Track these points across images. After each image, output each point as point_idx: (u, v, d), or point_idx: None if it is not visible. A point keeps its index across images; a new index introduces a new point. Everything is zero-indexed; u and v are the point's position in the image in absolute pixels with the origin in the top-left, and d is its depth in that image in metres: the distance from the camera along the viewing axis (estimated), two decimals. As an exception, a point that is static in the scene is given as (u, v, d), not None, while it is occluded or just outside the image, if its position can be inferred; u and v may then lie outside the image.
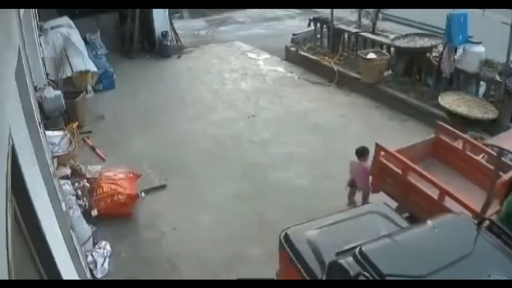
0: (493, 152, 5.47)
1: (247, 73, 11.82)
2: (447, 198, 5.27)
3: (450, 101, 8.40)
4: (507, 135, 6.33)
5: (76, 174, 7.29)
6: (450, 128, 6.50)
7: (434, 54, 9.53)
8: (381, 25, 12.29)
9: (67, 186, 6.44)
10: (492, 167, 5.46)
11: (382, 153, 6.04)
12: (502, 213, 4.88)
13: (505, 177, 5.29)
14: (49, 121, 8.16)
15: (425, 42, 9.70)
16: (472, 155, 5.95)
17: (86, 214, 6.34)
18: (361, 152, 6.43)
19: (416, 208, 5.68)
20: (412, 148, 6.27)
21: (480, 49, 8.52)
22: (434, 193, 5.40)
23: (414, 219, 5.44)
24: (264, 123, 9.11)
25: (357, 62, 10.52)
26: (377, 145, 6.11)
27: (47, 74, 9.72)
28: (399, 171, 5.77)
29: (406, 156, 5.83)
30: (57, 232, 4.00)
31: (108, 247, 5.96)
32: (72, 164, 7.47)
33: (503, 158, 4.64)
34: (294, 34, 12.81)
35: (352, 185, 6.63)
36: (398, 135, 8.69)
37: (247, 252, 6.02)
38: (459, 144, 6.31)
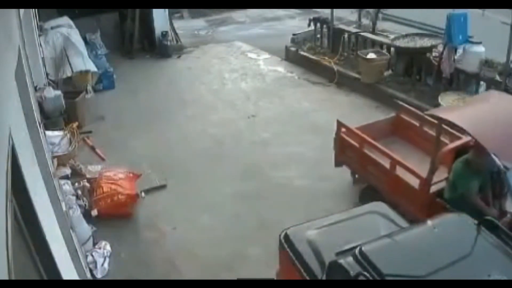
0: (447, 127, 5.78)
1: (247, 73, 11.82)
2: (398, 167, 5.82)
3: (450, 101, 8.39)
4: (449, 108, 6.84)
5: (76, 174, 7.30)
6: (409, 107, 7.09)
7: (434, 54, 9.52)
8: (381, 25, 12.28)
9: (67, 186, 6.45)
10: (445, 140, 5.92)
11: (343, 129, 6.66)
12: (449, 180, 5.31)
13: (449, 146, 5.75)
14: (49, 121, 8.16)
15: (425, 42, 9.69)
16: (427, 130, 6.29)
17: (86, 214, 6.34)
18: None
19: (372, 178, 6.29)
20: (372, 125, 6.85)
21: (480, 49, 8.52)
22: (386, 163, 5.91)
23: (373, 190, 6.15)
24: (264, 123, 9.11)
25: (357, 62, 10.52)
26: (338, 122, 6.73)
27: (47, 74, 9.72)
28: (357, 144, 6.37)
29: (367, 133, 6.39)
30: (57, 232, 4.00)
31: (108, 247, 5.96)
32: (72, 164, 7.47)
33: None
34: (294, 34, 12.81)
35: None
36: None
37: (247, 252, 6.02)
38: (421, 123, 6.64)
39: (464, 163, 5.28)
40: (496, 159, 4.61)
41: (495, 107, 5.69)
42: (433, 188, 5.55)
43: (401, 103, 7.38)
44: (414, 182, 5.65)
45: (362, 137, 6.33)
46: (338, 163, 6.87)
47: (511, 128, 5.04)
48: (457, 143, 5.83)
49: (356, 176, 6.75)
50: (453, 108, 6.57)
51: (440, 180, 5.53)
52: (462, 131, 5.46)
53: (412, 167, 5.68)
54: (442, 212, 5.05)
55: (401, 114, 7.08)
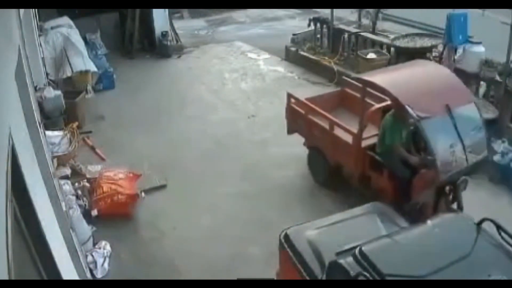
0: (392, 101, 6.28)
1: (247, 73, 11.83)
2: (335, 128, 6.70)
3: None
4: (373, 72, 7.44)
5: (76, 174, 7.30)
6: (352, 81, 7.66)
7: (434, 54, 9.52)
8: (381, 25, 12.28)
9: (67, 186, 6.44)
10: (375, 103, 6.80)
11: (292, 100, 7.54)
12: (379, 134, 6.12)
13: (375, 106, 6.70)
14: (49, 121, 8.16)
15: (425, 42, 9.69)
16: (367, 100, 6.85)
17: (86, 214, 6.34)
18: None
19: (316, 140, 7.19)
20: (319, 97, 7.73)
21: (480, 49, 8.51)
22: (326, 125, 6.82)
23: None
24: (264, 123, 9.12)
25: (357, 62, 10.51)
26: (288, 93, 7.69)
27: (47, 74, 9.72)
28: (303, 111, 7.25)
29: (314, 103, 7.21)
30: (57, 232, 4.00)
31: (108, 247, 5.96)
32: (72, 164, 7.47)
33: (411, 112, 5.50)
34: (294, 34, 12.81)
35: None
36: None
37: (247, 252, 6.02)
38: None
39: (390, 118, 5.99)
40: (410, 110, 5.42)
41: (414, 70, 6.68)
42: (364, 143, 6.37)
43: (345, 77, 8.20)
44: (349, 139, 6.47)
45: (308, 105, 7.22)
46: (290, 131, 7.72)
47: (426, 86, 5.90)
48: (382, 104, 6.68)
49: (305, 140, 7.56)
50: (376, 72, 7.33)
51: (370, 135, 6.37)
52: (383, 91, 6.27)
53: (349, 127, 6.50)
54: (373, 165, 6.30)
55: (346, 88, 7.85)
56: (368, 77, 6.49)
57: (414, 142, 6.12)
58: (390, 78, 6.34)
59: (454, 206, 5.90)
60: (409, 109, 5.43)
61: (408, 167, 5.90)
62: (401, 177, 5.97)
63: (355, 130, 6.37)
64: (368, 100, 6.80)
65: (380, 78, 6.29)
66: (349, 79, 7.88)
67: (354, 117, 6.72)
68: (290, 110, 7.59)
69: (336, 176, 7.05)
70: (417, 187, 5.80)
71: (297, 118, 7.45)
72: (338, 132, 6.66)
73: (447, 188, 5.82)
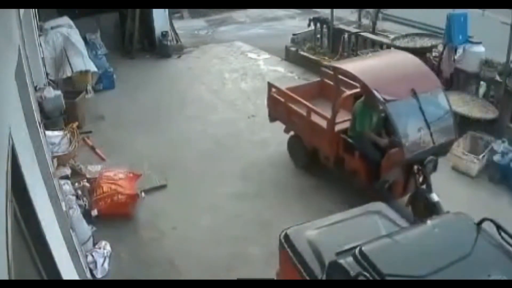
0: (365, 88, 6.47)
1: (247, 73, 11.83)
2: (312, 114, 7.07)
3: (450, 101, 8.38)
4: (346, 60, 8.17)
5: (76, 174, 7.29)
6: (327, 70, 8.09)
7: (434, 54, 9.51)
8: (381, 25, 12.28)
9: (67, 186, 6.44)
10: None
11: (273, 89, 7.96)
12: (351, 119, 6.53)
13: (347, 92, 7.01)
14: (49, 121, 8.16)
15: (425, 42, 9.69)
16: (342, 88, 7.31)
17: (86, 214, 6.34)
18: None
19: (295, 126, 7.59)
20: (299, 87, 8.20)
21: (480, 49, 8.51)
22: (304, 112, 7.21)
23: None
24: (264, 123, 9.09)
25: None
26: (269, 83, 8.19)
27: (47, 74, 9.72)
28: (283, 100, 7.63)
29: (294, 93, 7.59)
30: (57, 232, 4.00)
31: (108, 247, 5.96)
32: (72, 164, 7.47)
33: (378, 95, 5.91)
34: (294, 34, 12.81)
35: None
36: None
37: (247, 252, 6.02)
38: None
39: (360, 105, 6.40)
40: (377, 93, 5.84)
41: (385, 58, 7.38)
42: (338, 127, 6.78)
43: (323, 68, 8.49)
44: (324, 124, 6.88)
45: (287, 93, 7.63)
46: (271, 119, 8.14)
47: (394, 72, 6.43)
48: (354, 90, 6.98)
49: (285, 127, 7.91)
50: (349, 60, 7.98)
51: (343, 120, 6.78)
52: (353, 78, 6.75)
53: (324, 113, 6.93)
54: (346, 148, 6.71)
55: (324, 79, 8.25)
56: (340, 64, 7.21)
57: (385, 127, 6.43)
58: (360, 65, 6.98)
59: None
60: (376, 93, 5.88)
61: (378, 149, 6.31)
62: (371, 158, 6.36)
63: (329, 116, 6.78)
64: (344, 89, 7.24)
65: (351, 65, 6.94)
66: (324, 69, 8.41)
67: (331, 106, 7.03)
68: (271, 99, 8.02)
69: (314, 160, 7.49)
70: (386, 166, 6.15)
71: (278, 107, 7.85)
72: (314, 118, 7.08)
73: (416, 167, 6.17)
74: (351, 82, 7.21)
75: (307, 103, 7.22)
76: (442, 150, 6.39)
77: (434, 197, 6.12)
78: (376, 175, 6.28)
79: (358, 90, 6.83)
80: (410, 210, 6.32)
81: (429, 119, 6.07)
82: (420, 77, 6.41)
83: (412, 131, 6.03)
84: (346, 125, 6.73)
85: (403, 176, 6.27)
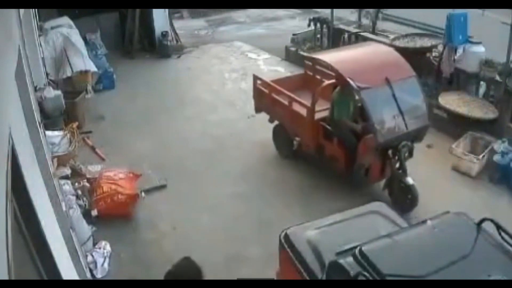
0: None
1: (247, 73, 11.81)
2: (293, 104, 7.39)
3: (450, 101, 8.39)
4: (324, 51, 8.82)
5: (76, 174, 7.28)
6: (321, 68, 8.22)
7: (434, 54, 9.52)
8: (381, 25, 12.28)
9: (67, 186, 6.44)
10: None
11: (258, 81, 8.26)
12: (330, 107, 6.86)
13: (326, 82, 7.43)
14: (49, 121, 8.14)
15: (425, 42, 9.69)
16: (322, 79, 7.84)
17: (86, 214, 6.34)
18: None
19: (278, 116, 7.93)
20: (283, 79, 8.56)
21: (480, 49, 8.51)
22: (286, 102, 7.53)
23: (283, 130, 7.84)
24: (263, 123, 9.08)
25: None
26: (254, 76, 8.50)
27: (47, 74, 9.71)
28: (267, 91, 7.95)
29: (278, 85, 7.90)
30: (57, 232, 4.00)
31: (108, 247, 5.96)
32: (72, 164, 7.46)
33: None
34: (294, 34, 12.82)
35: None
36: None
37: (247, 252, 6.02)
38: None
39: (337, 95, 6.75)
40: (351, 82, 6.22)
41: (361, 50, 7.80)
42: (317, 116, 7.09)
43: (306, 62, 8.79)
44: (304, 112, 7.19)
45: (271, 85, 7.97)
46: (257, 110, 8.45)
47: (368, 62, 6.79)
48: (332, 80, 7.32)
49: (269, 117, 8.25)
50: (327, 52, 8.54)
51: (322, 109, 7.08)
52: (330, 67, 7.17)
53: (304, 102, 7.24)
54: (325, 135, 7.04)
55: (308, 71, 8.62)
56: (317, 55, 7.82)
57: (362, 114, 6.67)
58: (337, 56, 7.44)
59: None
60: (350, 81, 6.26)
61: (354, 135, 6.61)
62: (348, 144, 6.67)
63: (309, 104, 7.11)
64: (323, 79, 7.74)
65: (328, 56, 7.49)
66: (307, 61, 8.80)
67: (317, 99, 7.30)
68: (257, 90, 8.34)
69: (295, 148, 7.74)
70: (361, 151, 6.46)
71: (263, 98, 8.17)
72: (296, 107, 7.40)
73: (390, 152, 6.45)
74: (331, 73, 7.55)
75: (289, 93, 7.53)
76: (416, 135, 6.66)
77: (409, 180, 6.47)
78: (353, 160, 6.57)
79: (334, 80, 7.26)
80: (387, 194, 6.75)
81: (402, 106, 6.42)
82: (394, 66, 6.77)
83: (385, 117, 6.40)
84: (326, 113, 7.04)
85: (379, 160, 6.55)
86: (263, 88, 8.15)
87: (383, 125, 6.35)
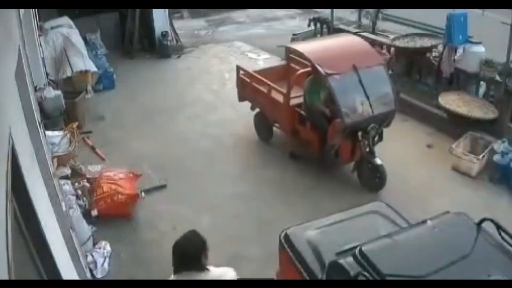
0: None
1: (247, 73, 11.81)
2: (272, 92, 7.90)
3: (450, 101, 8.39)
4: (300, 42, 9.36)
5: (76, 174, 7.28)
6: (295, 56, 8.53)
7: (434, 54, 9.52)
8: (381, 25, 12.28)
9: (67, 186, 6.44)
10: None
11: (241, 72, 8.74)
12: (304, 93, 7.33)
13: (300, 71, 7.79)
14: (49, 121, 8.15)
15: (425, 42, 9.69)
16: (297, 67, 8.19)
17: (86, 214, 6.33)
18: None
19: (259, 104, 8.43)
20: (265, 70, 9.05)
21: (480, 49, 8.51)
22: (265, 90, 8.00)
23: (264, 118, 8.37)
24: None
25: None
26: (237, 66, 9.01)
27: (47, 74, 9.71)
28: (249, 80, 8.43)
29: (261, 75, 8.33)
30: (57, 232, 4.00)
31: (108, 247, 5.96)
32: (72, 164, 7.46)
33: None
34: (294, 34, 12.80)
35: None
36: (397, 135, 8.69)
37: (247, 252, 6.02)
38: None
39: (309, 82, 7.23)
40: (319, 68, 6.72)
41: (334, 40, 8.40)
42: (293, 102, 7.57)
43: (290, 55, 8.95)
44: (281, 99, 7.68)
45: (252, 74, 8.46)
46: (240, 98, 8.92)
47: (338, 51, 7.35)
48: (307, 68, 7.67)
49: (251, 105, 8.75)
50: (301, 42, 9.17)
51: (297, 95, 7.54)
52: (302, 56, 7.62)
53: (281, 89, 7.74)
54: (300, 120, 7.51)
55: (290, 63, 8.86)
56: (291, 45, 8.47)
57: (332, 99, 6.98)
58: (309, 45, 8.03)
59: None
60: (319, 67, 6.75)
61: (326, 119, 7.03)
62: (320, 128, 7.11)
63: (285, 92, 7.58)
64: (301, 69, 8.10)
65: (301, 45, 8.14)
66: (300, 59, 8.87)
67: (296, 88, 7.65)
68: (240, 80, 8.80)
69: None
70: (331, 133, 6.91)
71: (245, 87, 8.63)
72: (274, 95, 7.91)
73: (359, 134, 6.88)
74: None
75: (268, 82, 8.01)
76: (383, 120, 7.06)
77: (377, 160, 6.93)
78: (324, 142, 7.09)
79: (308, 68, 7.64)
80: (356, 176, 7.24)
81: (369, 91, 6.83)
82: (363, 55, 7.24)
83: (352, 102, 6.86)
84: (300, 100, 7.51)
85: (349, 142, 7.00)
86: (245, 78, 8.62)
87: (349, 108, 6.78)
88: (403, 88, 9.69)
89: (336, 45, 7.76)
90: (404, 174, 7.47)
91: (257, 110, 8.62)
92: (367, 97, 6.80)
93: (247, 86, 8.56)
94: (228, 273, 3.46)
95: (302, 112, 7.44)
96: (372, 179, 6.98)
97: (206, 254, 3.43)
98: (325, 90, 7.04)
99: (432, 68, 9.40)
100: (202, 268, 3.35)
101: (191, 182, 7.48)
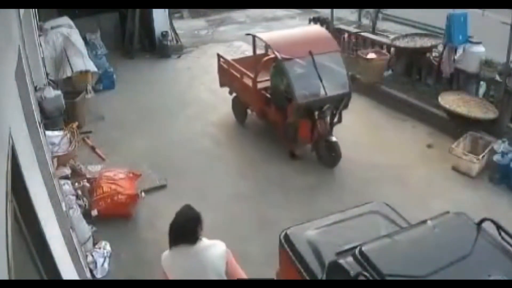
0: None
1: (247, 73, 11.81)
2: (244, 77, 8.55)
3: (450, 101, 8.39)
4: (273, 32, 9.78)
5: (76, 174, 7.28)
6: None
7: (434, 54, 9.52)
8: (381, 25, 12.28)
9: (67, 186, 6.44)
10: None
11: (221, 60, 9.44)
12: (269, 78, 7.98)
13: (267, 57, 8.56)
14: (49, 121, 8.14)
15: (425, 42, 9.69)
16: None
17: (86, 214, 6.33)
18: None
19: (236, 89, 9.12)
20: (244, 59, 9.65)
21: (480, 49, 8.50)
22: (239, 75, 8.69)
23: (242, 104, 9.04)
24: (264, 123, 9.10)
25: (357, 62, 10.51)
26: (218, 54, 9.70)
27: (47, 74, 9.71)
28: (226, 67, 9.19)
29: (238, 63, 8.97)
30: (57, 232, 4.00)
31: (108, 247, 5.96)
32: (72, 164, 7.46)
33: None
34: (294, 34, 12.78)
35: None
36: (397, 135, 8.70)
37: (247, 252, 6.00)
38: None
39: (273, 69, 7.86)
40: (277, 53, 7.47)
41: (296, 30, 9.29)
42: (261, 86, 8.25)
43: (267, 47, 9.32)
44: (250, 83, 8.31)
45: (230, 62, 9.15)
46: (221, 84, 9.62)
47: (298, 39, 8.11)
48: (271, 56, 8.28)
49: (229, 89, 9.43)
50: (271, 32, 9.75)
51: (263, 80, 8.22)
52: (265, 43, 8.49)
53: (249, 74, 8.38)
54: (267, 102, 8.18)
55: (268, 52, 9.28)
56: (258, 34, 8.81)
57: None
58: (272, 34, 8.88)
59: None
60: (276, 52, 7.50)
61: (287, 100, 7.58)
62: (282, 109, 7.74)
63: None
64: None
65: (264, 34, 8.83)
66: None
67: (264, 73, 8.26)
68: (220, 68, 9.53)
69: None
70: (289, 111, 7.58)
71: (225, 74, 9.34)
72: (246, 80, 8.53)
73: (316, 113, 7.44)
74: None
75: (240, 68, 8.68)
76: (339, 101, 7.65)
77: (333, 138, 7.61)
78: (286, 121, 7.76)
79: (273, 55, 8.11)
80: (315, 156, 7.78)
81: (323, 74, 7.41)
82: (320, 42, 7.91)
83: (306, 83, 7.48)
84: (267, 84, 8.18)
85: (306, 121, 7.53)
86: (224, 65, 9.34)
87: (303, 89, 7.42)
88: (403, 88, 9.71)
89: (297, 34, 8.54)
90: (404, 174, 7.48)
91: (234, 94, 9.30)
92: (321, 80, 7.36)
93: (226, 73, 9.28)
94: (218, 244, 3.81)
95: (268, 95, 8.14)
96: (329, 156, 7.61)
97: (201, 226, 3.80)
98: (287, 77, 7.51)
99: (432, 68, 9.40)
100: (196, 240, 3.73)
101: (191, 182, 7.48)
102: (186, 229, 3.77)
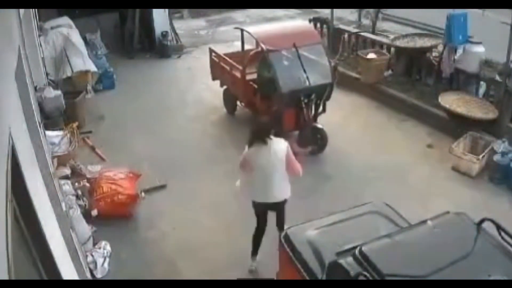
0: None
1: (247, 73, 11.81)
2: (233, 69, 8.95)
3: (450, 101, 8.39)
4: (260, 26, 10.62)
5: (76, 174, 7.29)
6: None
7: (434, 54, 9.52)
8: (381, 25, 12.28)
9: (67, 186, 6.44)
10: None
11: (213, 54, 9.88)
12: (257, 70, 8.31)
13: (254, 50, 9.00)
14: (49, 121, 8.15)
15: (425, 42, 9.69)
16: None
17: (86, 214, 6.33)
18: None
19: (226, 81, 9.52)
20: (235, 53, 9.85)
21: (480, 49, 8.50)
22: (228, 67, 9.13)
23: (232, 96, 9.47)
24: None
25: (357, 62, 10.52)
26: (209, 48, 10.18)
27: (47, 74, 9.72)
28: (218, 61, 9.61)
29: (230, 58, 9.33)
30: (57, 232, 4.00)
31: (108, 247, 5.96)
32: (72, 164, 7.46)
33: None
34: (294, 34, 12.80)
35: None
36: (397, 135, 8.70)
37: (247, 252, 6.01)
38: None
39: (262, 58, 8.14)
40: (262, 45, 7.85)
41: (283, 24, 10.22)
42: (249, 77, 8.60)
43: (256, 42, 9.21)
44: (239, 75, 8.75)
45: (221, 56, 9.55)
46: (213, 77, 10.01)
47: (284, 33, 8.52)
48: (258, 49, 8.60)
49: (220, 82, 9.84)
50: (258, 26, 10.34)
51: (252, 72, 8.53)
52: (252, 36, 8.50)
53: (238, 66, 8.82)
54: (254, 93, 8.45)
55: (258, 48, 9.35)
56: (247, 28, 9.08)
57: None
58: (259, 28, 9.39)
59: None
60: (262, 44, 7.89)
61: (272, 90, 7.78)
62: (268, 98, 8.02)
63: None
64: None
65: (252, 28, 9.16)
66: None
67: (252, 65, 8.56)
68: (212, 61, 9.96)
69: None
70: (275, 100, 7.85)
71: (216, 67, 9.78)
72: (235, 72, 8.93)
73: (304, 102, 7.70)
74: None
75: (231, 61, 9.08)
76: (322, 91, 7.86)
77: (319, 125, 7.98)
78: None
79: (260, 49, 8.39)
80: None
81: (306, 65, 7.70)
82: (304, 35, 8.35)
83: (289, 73, 7.75)
84: (254, 76, 8.48)
85: (293, 111, 7.81)
86: (216, 59, 9.75)
87: (287, 79, 7.66)
88: (403, 88, 9.71)
89: (283, 28, 9.12)
90: (404, 174, 7.48)
91: (225, 86, 9.64)
92: (304, 70, 7.65)
93: (217, 66, 9.68)
94: (281, 142, 5.23)
95: (255, 86, 8.44)
96: (315, 142, 7.90)
97: (271, 132, 5.20)
98: (273, 69, 7.79)
99: (432, 68, 9.40)
100: (268, 140, 5.15)
101: (191, 182, 7.47)
102: (261, 134, 5.20)
